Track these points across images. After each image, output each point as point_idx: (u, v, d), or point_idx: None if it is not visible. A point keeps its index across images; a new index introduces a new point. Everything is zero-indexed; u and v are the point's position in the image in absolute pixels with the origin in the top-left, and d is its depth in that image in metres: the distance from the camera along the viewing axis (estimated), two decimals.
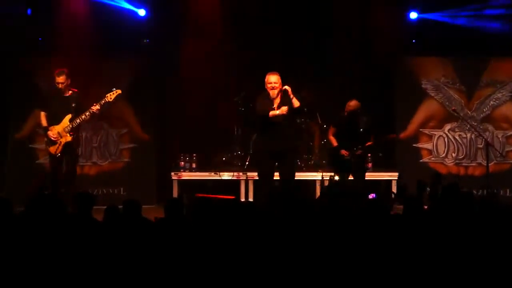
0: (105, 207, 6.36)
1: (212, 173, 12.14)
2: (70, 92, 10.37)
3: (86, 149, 12.12)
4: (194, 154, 12.34)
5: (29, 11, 12.07)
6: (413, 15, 12.63)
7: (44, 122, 10.46)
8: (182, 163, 12.30)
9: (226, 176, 12.07)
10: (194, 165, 12.31)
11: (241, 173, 12.06)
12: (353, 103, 10.49)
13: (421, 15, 12.61)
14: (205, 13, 12.54)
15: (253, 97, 10.26)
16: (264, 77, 9.81)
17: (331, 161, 10.96)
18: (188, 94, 12.43)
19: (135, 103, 12.16)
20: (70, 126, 10.31)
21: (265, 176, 10.03)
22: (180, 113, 12.58)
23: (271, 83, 9.80)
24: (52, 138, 10.31)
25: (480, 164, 12.30)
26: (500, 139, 12.39)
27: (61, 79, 10.31)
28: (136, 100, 12.14)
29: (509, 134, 12.41)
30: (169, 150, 12.57)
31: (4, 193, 11.31)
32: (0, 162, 12.00)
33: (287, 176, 9.95)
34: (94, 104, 10.23)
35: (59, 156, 10.34)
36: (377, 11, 12.40)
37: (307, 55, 12.70)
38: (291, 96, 9.66)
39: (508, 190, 12.22)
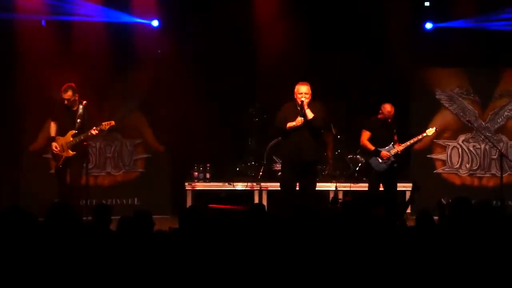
0: (118, 217, 6.37)
1: (226, 184, 12.16)
2: (77, 106, 10.41)
3: (100, 159, 12.16)
4: (208, 165, 12.36)
5: (43, 23, 12.05)
6: (428, 25, 12.60)
7: (52, 132, 10.58)
8: (196, 173, 12.31)
9: (239, 186, 12.08)
10: (208, 176, 12.33)
11: (254, 184, 12.06)
12: (389, 106, 10.50)
13: (436, 25, 12.56)
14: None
15: (268, 108, 10.23)
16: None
17: (367, 169, 10.98)
18: (202, 105, 12.44)
19: (149, 113, 12.19)
20: (72, 142, 10.38)
21: (287, 186, 10.02)
22: (194, 124, 12.57)
23: (301, 93, 9.77)
24: (54, 151, 10.43)
25: (494, 175, 12.24)
26: None
27: (67, 95, 10.39)
28: (150, 110, 12.17)
29: None
30: (183, 161, 12.56)
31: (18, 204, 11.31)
32: (14, 172, 12.01)
33: (309, 188, 9.95)
34: (94, 128, 10.29)
35: (61, 167, 10.44)
36: (392, 22, 12.41)
37: (321, 66, 12.65)
38: (305, 108, 9.67)
39: None
